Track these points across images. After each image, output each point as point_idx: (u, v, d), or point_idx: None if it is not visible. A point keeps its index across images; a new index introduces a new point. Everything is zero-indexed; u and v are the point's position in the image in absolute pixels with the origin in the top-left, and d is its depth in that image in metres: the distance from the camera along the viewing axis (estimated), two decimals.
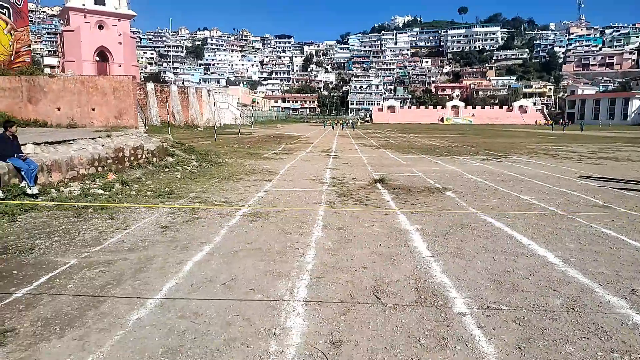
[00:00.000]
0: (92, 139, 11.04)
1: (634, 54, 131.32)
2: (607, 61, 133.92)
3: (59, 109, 15.30)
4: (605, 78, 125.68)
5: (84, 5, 45.49)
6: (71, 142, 10.15)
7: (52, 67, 56.47)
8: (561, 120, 74.16)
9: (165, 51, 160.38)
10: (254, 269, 4.61)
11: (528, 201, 8.50)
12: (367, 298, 3.88)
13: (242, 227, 6.31)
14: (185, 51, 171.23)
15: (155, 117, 42.19)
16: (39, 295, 3.84)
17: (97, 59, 47.56)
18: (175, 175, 11.41)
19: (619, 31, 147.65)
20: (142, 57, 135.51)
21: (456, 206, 8.02)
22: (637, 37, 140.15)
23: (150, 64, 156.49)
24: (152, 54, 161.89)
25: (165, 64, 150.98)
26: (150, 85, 43.89)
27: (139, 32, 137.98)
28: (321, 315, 3.52)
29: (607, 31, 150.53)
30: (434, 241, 5.67)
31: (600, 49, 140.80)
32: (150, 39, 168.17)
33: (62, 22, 60.92)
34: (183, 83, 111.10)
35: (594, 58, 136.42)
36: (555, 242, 5.67)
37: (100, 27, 47.11)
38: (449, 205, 8.06)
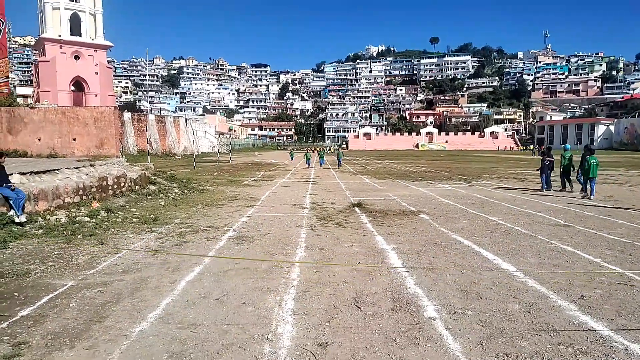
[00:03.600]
0: (76, 168, 11.22)
1: (598, 81, 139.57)
2: (573, 88, 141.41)
3: (39, 139, 15.36)
4: (572, 104, 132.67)
5: (59, 36, 45.68)
6: (56, 171, 10.31)
7: (25, 96, 55.77)
8: (532, 147, 77.44)
9: (140, 80, 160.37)
10: (244, 285, 4.97)
11: (495, 222, 9.18)
12: (348, 307, 4.31)
13: (229, 249, 6.66)
14: (161, 80, 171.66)
15: (133, 146, 42.02)
16: (44, 313, 4.09)
17: (73, 88, 47.41)
18: (159, 203, 11.63)
19: (583, 60, 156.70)
20: (116, 86, 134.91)
21: (429, 227, 8.60)
22: (600, 65, 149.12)
23: (125, 92, 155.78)
24: (127, 83, 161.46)
25: (140, 93, 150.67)
26: (127, 115, 43.89)
27: (113, 61, 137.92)
28: (308, 322, 3.93)
29: (573, 60, 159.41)
30: (408, 258, 6.18)
31: (567, 76, 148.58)
32: (125, 68, 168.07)
33: (36, 52, 60.70)
34: (159, 112, 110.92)
35: (561, 85, 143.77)
36: (518, 257, 6.28)
37: (76, 57, 47.23)
38: (423, 227, 8.63)
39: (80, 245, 6.75)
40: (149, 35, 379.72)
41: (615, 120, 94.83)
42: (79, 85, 47.89)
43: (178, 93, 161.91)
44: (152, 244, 6.94)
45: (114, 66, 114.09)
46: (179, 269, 5.62)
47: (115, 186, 11.89)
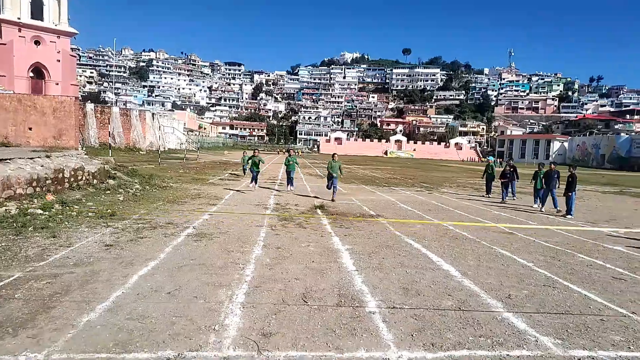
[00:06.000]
0: (31, 158, 10.86)
1: (556, 100, 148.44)
2: (533, 105, 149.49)
3: None
4: (531, 121, 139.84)
5: (19, 18, 43.50)
6: (8, 161, 9.95)
7: None
8: (493, 159, 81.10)
9: (106, 71, 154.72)
10: (197, 280, 5.10)
11: (446, 227, 9.70)
12: (296, 302, 4.55)
13: (187, 246, 6.74)
14: (128, 72, 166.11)
15: (94, 138, 40.60)
16: None
17: (32, 75, 45.23)
18: (118, 198, 11.44)
19: (543, 79, 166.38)
20: (80, 76, 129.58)
21: (385, 230, 8.98)
22: (558, 85, 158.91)
23: (90, 82, 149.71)
24: (92, 72, 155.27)
25: (106, 84, 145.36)
26: (90, 106, 42.37)
27: (78, 49, 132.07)
28: (256, 315, 4.13)
29: (534, 78, 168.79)
30: (360, 259, 6.49)
31: (528, 94, 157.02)
32: (90, 57, 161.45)
33: None
34: (125, 104, 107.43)
35: (522, 102, 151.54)
36: (460, 259, 6.73)
37: (37, 42, 45.12)
38: (379, 230, 9.01)
39: (31, 238, 6.62)
40: (118, 25, 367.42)
41: (569, 137, 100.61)
42: (39, 72, 45.74)
43: (146, 86, 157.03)
44: (107, 239, 6.90)
45: (78, 54, 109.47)
46: (133, 263, 5.66)
47: (72, 179, 11.59)
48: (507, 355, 3.62)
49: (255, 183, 15.10)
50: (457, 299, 4.88)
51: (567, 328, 4.26)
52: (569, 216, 12.43)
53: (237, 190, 13.59)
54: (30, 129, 15.18)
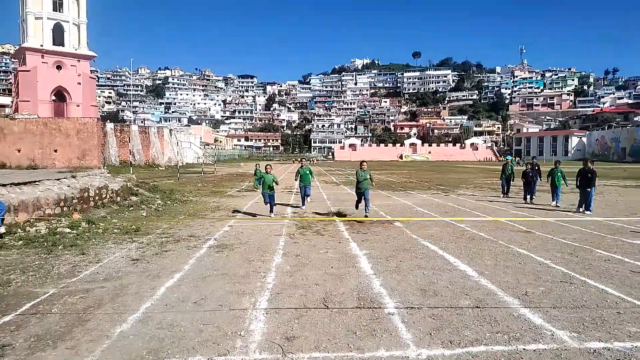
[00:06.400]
0: (58, 179, 11.37)
1: (571, 95, 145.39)
2: (548, 102, 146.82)
3: (19, 151, 15.37)
4: (547, 117, 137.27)
5: (41, 45, 45.43)
6: (37, 183, 10.46)
7: (2, 106, 54.80)
8: (511, 157, 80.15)
9: (124, 90, 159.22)
10: (222, 290, 5.31)
11: (463, 228, 9.71)
12: (317, 306, 4.70)
13: (209, 257, 6.97)
14: (145, 90, 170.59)
15: (115, 157, 41.75)
16: (27, 319, 4.35)
17: (54, 98, 46.98)
18: (141, 214, 11.82)
19: (557, 74, 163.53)
20: (99, 96, 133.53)
21: (402, 234, 9.06)
22: (573, 80, 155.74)
23: (109, 102, 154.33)
24: (110, 92, 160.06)
25: (124, 103, 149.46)
26: (109, 125, 43.69)
27: (97, 71, 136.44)
28: (279, 320, 4.30)
29: (547, 74, 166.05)
30: (377, 262, 6.61)
31: (542, 90, 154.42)
32: (108, 78, 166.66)
33: (16, 61, 60.00)
34: (143, 122, 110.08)
35: (537, 99, 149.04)
36: (477, 259, 6.77)
37: (59, 67, 46.94)
38: (396, 234, 9.09)
39: (62, 256, 6.96)
40: (134, 45, 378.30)
41: (587, 132, 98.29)
42: (60, 95, 47.50)
43: (163, 103, 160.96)
44: (133, 253, 7.19)
45: (97, 76, 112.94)
46: (159, 276, 5.91)
47: (97, 197, 12.05)
48: (524, 349, 3.68)
49: (271, 211, 11.62)
50: (474, 297, 4.95)
51: (583, 322, 4.29)
52: (588, 212, 12.25)
53: (252, 215, 11.71)
54: (55, 150, 15.83)
